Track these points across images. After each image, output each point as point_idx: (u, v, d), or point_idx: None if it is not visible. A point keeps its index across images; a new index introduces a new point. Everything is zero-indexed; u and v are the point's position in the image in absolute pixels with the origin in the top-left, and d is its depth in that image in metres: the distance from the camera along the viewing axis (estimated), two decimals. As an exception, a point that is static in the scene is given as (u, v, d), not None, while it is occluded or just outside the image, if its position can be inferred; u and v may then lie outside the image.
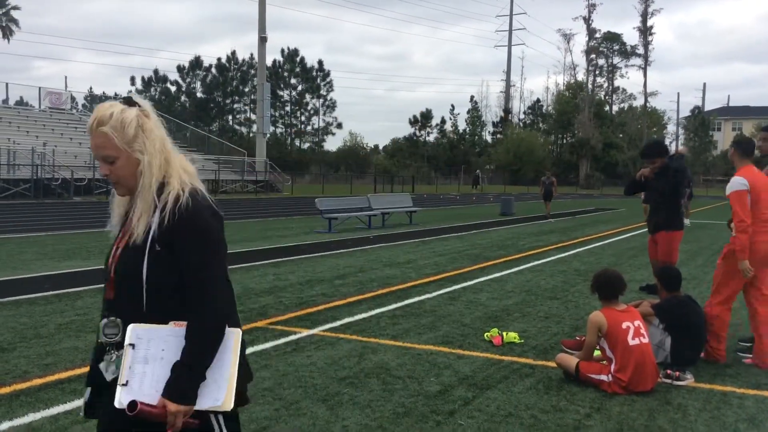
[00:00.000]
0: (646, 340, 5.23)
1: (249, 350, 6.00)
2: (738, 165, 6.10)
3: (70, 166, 33.28)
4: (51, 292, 8.53)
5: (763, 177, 6.05)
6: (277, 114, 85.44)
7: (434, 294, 9.03)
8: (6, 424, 4.21)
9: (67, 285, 9.06)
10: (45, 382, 5.04)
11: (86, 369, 5.28)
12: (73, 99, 50.76)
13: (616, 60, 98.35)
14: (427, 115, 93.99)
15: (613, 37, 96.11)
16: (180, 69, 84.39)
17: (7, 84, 57.72)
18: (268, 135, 58.97)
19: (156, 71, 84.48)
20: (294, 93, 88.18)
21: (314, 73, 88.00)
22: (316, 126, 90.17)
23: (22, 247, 13.39)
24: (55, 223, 19.06)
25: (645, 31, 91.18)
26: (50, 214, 22.51)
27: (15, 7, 74.42)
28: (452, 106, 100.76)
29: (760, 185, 5.93)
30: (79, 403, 4.61)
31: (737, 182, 5.91)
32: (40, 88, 46.67)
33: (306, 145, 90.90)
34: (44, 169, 32.32)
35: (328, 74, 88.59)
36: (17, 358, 5.66)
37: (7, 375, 5.19)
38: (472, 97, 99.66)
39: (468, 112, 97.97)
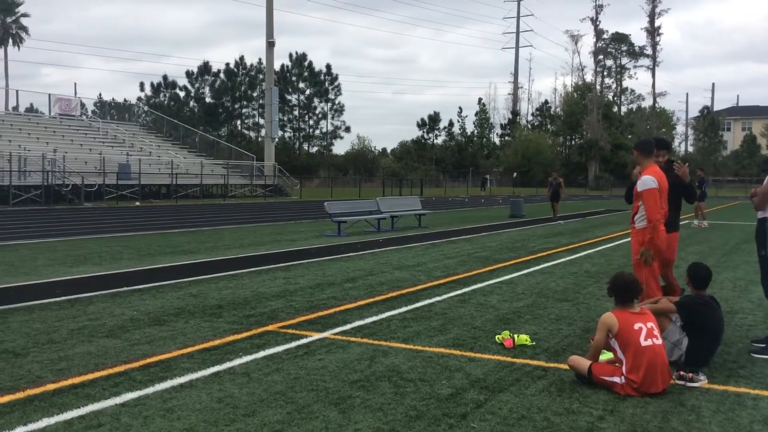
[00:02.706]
0: (659, 342, 5.20)
1: (261, 354, 6.02)
2: (644, 164, 6.65)
3: (80, 172, 33.47)
4: (63, 298, 8.58)
5: (664, 176, 6.62)
6: (285, 118, 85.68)
7: (444, 297, 9.02)
8: (21, 429, 4.23)
9: (79, 290, 9.10)
10: (58, 387, 5.06)
11: (99, 374, 5.32)
12: (82, 105, 51.08)
13: (624, 61, 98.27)
14: (434, 118, 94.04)
15: (620, 38, 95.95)
16: (189, 74, 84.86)
17: (17, 91, 58.65)
18: (277, 139, 59.10)
19: (165, 77, 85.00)
20: (302, 97, 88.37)
21: (322, 77, 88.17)
22: (324, 130, 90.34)
23: (33, 252, 13.47)
24: (66, 229, 19.17)
25: (653, 32, 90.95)
26: (61, 220, 22.64)
27: (24, 14, 75.08)
28: (460, 108, 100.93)
29: (663, 184, 6.54)
30: (93, 407, 4.63)
31: (649, 181, 6.47)
32: (50, 94, 47.07)
33: (314, 149, 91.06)
34: (55, 175, 32.50)
35: (336, 78, 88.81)
36: (30, 363, 5.69)
37: (21, 380, 5.21)
38: (479, 100, 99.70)
39: (476, 115, 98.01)
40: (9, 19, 73.95)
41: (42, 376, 5.33)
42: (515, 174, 73.45)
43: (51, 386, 5.06)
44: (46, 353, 6.00)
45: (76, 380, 5.22)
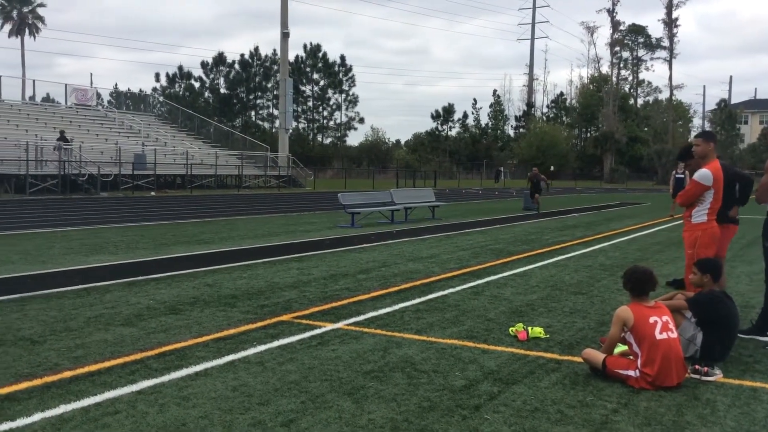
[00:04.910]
0: (674, 335, 5.18)
1: (275, 343, 6.05)
2: (712, 157, 6.65)
3: (96, 162, 33.68)
4: (80, 286, 8.65)
5: (721, 171, 6.66)
6: (299, 109, 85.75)
7: (458, 288, 9.02)
8: (38, 416, 4.28)
9: (95, 279, 9.18)
10: (75, 374, 5.11)
11: (116, 361, 5.38)
12: (98, 95, 51.39)
13: (641, 52, 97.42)
14: (449, 110, 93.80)
15: (637, 30, 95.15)
16: (204, 65, 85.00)
17: (33, 81, 58.83)
18: (291, 130, 59.18)
19: (180, 67, 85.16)
20: (316, 88, 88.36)
21: (336, 68, 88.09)
22: (338, 121, 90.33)
23: (50, 241, 13.59)
24: (82, 218, 19.32)
25: (670, 23, 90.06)
26: (77, 209, 22.81)
27: (41, 4, 75.50)
28: (474, 100, 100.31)
29: (719, 182, 6.60)
30: (110, 395, 4.68)
31: (707, 176, 6.54)
32: (66, 84, 47.34)
33: (328, 140, 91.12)
34: (71, 164, 32.72)
35: (350, 69, 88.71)
36: (48, 350, 5.76)
37: (38, 367, 5.27)
38: (494, 91, 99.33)
39: (490, 106, 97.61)
40: (25, 9, 74.40)
41: (59, 363, 5.39)
42: (552, 167, 73.00)
43: (68, 373, 5.12)
44: (63, 341, 6.06)
45: (93, 368, 5.27)
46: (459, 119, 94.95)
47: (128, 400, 4.59)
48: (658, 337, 5.07)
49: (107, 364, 5.38)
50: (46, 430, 4.06)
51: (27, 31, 74.96)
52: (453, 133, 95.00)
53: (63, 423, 4.17)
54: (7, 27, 73.85)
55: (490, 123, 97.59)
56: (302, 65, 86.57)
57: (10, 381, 4.92)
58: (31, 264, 10.54)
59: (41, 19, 75.96)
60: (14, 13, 73.72)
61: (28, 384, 4.86)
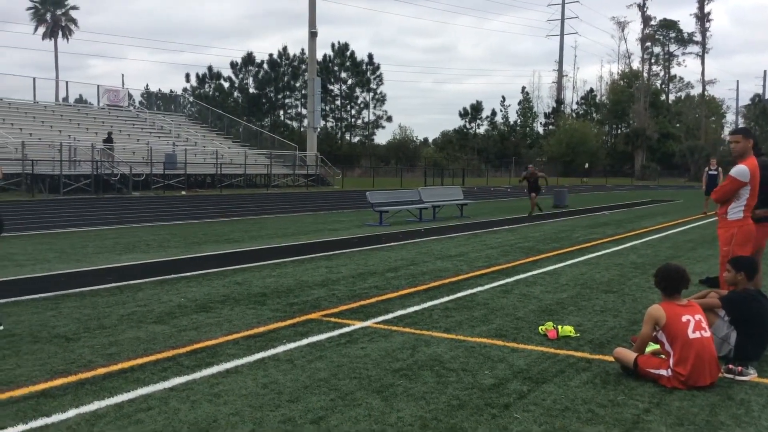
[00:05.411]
0: (707, 334, 5.10)
1: (304, 341, 6.09)
2: (749, 153, 6.63)
3: (128, 162, 34.15)
4: (113, 284, 8.79)
5: (758, 169, 6.64)
6: (327, 108, 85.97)
7: (486, 287, 8.98)
8: (73, 411, 4.36)
9: (128, 277, 9.32)
10: (109, 371, 5.20)
11: (149, 359, 5.45)
12: (130, 96, 52.04)
13: (673, 48, 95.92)
14: (477, 107, 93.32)
15: (669, 24, 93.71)
16: (233, 65, 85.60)
17: (66, 83, 59.55)
18: (319, 129, 59.39)
19: (210, 68, 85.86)
20: (344, 87, 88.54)
21: (364, 67, 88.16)
22: (366, 119, 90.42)
23: (84, 240, 13.82)
24: (114, 218, 19.61)
25: (702, 18, 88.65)
26: (110, 209, 23.16)
27: (74, 7, 76.70)
28: (503, 97, 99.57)
29: (756, 179, 6.57)
30: (142, 391, 4.75)
31: (743, 172, 6.52)
32: (98, 86, 48.04)
33: (356, 139, 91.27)
34: (104, 165, 33.22)
35: (377, 68, 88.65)
36: (82, 347, 5.86)
37: (73, 364, 5.37)
38: (523, 88, 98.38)
39: (519, 104, 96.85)
40: (59, 12, 75.60)
41: (93, 360, 5.48)
42: (587, 165, 72.59)
43: (102, 370, 5.21)
44: (97, 338, 6.16)
45: (126, 365, 5.36)
46: (487, 117, 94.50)
47: (160, 396, 4.66)
48: (691, 336, 5.00)
49: (140, 361, 5.46)
50: (81, 426, 4.14)
51: (60, 33, 76.13)
52: (481, 130, 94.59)
53: (97, 419, 4.25)
54: (41, 30, 75.13)
55: (519, 120, 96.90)
56: (330, 64, 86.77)
57: (46, 377, 5.02)
58: (66, 262, 10.73)
59: (74, 21, 77.10)
60: (48, 16, 74.95)
61: (63, 380, 4.96)
